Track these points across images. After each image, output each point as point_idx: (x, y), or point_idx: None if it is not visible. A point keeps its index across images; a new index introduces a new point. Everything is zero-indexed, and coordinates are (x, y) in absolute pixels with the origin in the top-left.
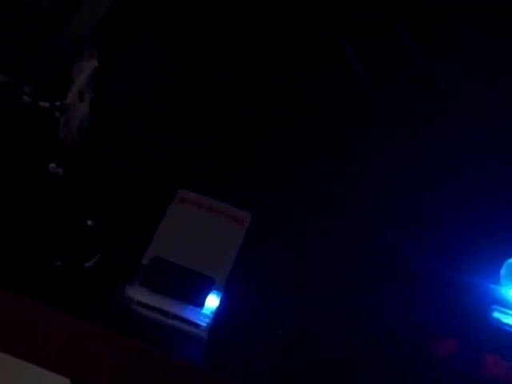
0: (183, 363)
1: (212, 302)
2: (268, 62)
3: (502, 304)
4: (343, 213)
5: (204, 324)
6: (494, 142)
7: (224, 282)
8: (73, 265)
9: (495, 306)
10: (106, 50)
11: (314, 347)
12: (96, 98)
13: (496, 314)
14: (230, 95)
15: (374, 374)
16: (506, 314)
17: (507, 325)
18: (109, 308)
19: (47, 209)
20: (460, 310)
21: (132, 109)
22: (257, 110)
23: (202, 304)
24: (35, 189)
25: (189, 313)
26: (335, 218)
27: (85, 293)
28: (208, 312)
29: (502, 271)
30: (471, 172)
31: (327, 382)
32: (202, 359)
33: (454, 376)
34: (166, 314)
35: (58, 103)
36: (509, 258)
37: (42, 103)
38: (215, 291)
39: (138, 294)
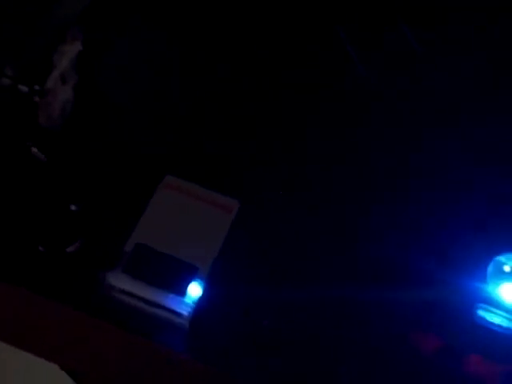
0: (165, 351)
1: (195, 290)
2: (264, 55)
3: (488, 302)
4: (332, 203)
5: (186, 313)
6: (483, 140)
7: (207, 271)
8: (55, 250)
9: (481, 304)
10: (94, 34)
11: (299, 339)
12: (80, 82)
13: (481, 313)
14: (223, 84)
15: (357, 368)
16: (492, 312)
17: (492, 323)
18: (91, 294)
19: (29, 193)
20: (445, 307)
21: (120, 95)
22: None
23: (183, 292)
24: (17, 173)
25: (170, 301)
26: (325, 209)
27: (67, 279)
28: (190, 301)
29: (489, 269)
30: (457, 169)
31: (310, 374)
32: (184, 348)
33: (437, 372)
34: (147, 301)
35: (37, 87)
36: (496, 255)
37: (21, 87)
38: (198, 280)
39: (120, 280)
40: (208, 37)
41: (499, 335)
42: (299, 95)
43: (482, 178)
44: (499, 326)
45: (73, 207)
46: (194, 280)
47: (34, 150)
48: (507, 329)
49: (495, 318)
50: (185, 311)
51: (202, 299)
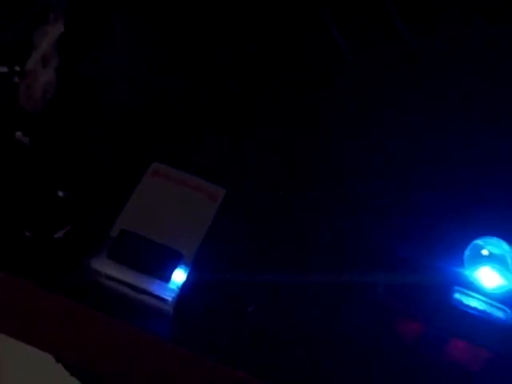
0: (149, 337)
1: (179, 276)
2: (251, 39)
3: (466, 286)
4: (320, 189)
5: (170, 298)
6: (463, 125)
7: (192, 257)
8: (42, 236)
9: (458, 288)
10: (78, 16)
11: (284, 325)
12: (62, 64)
13: (458, 296)
14: (212, 68)
15: (339, 355)
16: (469, 295)
17: (468, 306)
18: (77, 280)
19: (15, 178)
20: (424, 292)
21: (106, 77)
22: (240, 86)
23: (167, 278)
24: (2, 157)
25: (154, 287)
26: (313, 194)
27: (53, 265)
28: (174, 287)
29: (467, 252)
30: (437, 153)
31: (296, 361)
32: (169, 334)
33: (419, 359)
34: (131, 287)
35: (17, 68)
36: (474, 239)
37: (0, 67)
38: (183, 266)
39: (104, 266)
40: (202, 27)
41: (479, 319)
42: (300, 94)
43: (461, 162)
44: (475, 308)
45: (60, 193)
46: (179, 266)
47: (18, 133)
48: (483, 312)
49: (472, 302)
50: (169, 297)
51: (186, 285)
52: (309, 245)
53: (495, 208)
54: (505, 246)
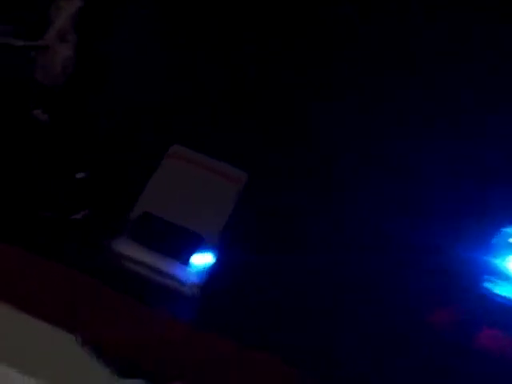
0: (169, 320)
1: (199, 259)
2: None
3: (494, 274)
4: (341, 176)
5: (189, 281)
6: (484, 113)
7: (214, 241)
8: (60, 217)
9: (487, 276)
10: None
11: (307, 308)
12: (80, 40)
13: (487, 284)
14: (229, 54)
15: (371, 340)
16: (497, 284)
17: (498, 295)
18: (97, 261)
19: (33, 158)
20: (454, 281)
21: (124, 56)
22: (259, 70)
23: (187, 261)
24: (19, 136)
25: (174, 269)
26: (333, 181)
27: (73, 245)
28: (194, 269)
29: (495, 241)
30: (463, 143)
31: (321, 343)
32: (190, 316)
33: (449, 346)
34: (151, 268)
35: (33, 43)
36: (502, 227)
37: (16, 41)
38: (203, 249)
39: (125, 247)
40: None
41: (509, 308)
42: (306, 77)
43: (488, 154)
44: (505, 297)
45: (79, 175)
46: (199, 249)
47: (37, 111)
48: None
49: (501, 290)
50: (188, 279)
51: (211, 268)
52: (336, 229)
53: None
54: None
